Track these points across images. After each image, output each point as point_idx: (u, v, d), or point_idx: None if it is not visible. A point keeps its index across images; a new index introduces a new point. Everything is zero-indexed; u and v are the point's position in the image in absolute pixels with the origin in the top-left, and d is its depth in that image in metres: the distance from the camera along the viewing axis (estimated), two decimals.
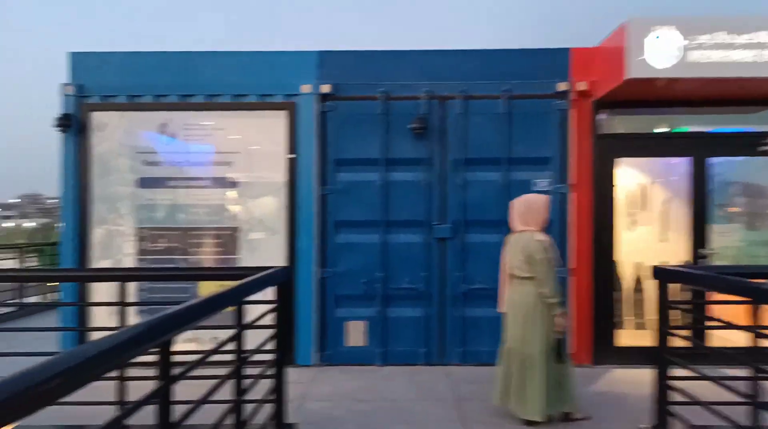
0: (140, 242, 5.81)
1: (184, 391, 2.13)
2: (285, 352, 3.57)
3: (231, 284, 2.68)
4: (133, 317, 5.67)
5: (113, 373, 2.97)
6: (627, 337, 6.01)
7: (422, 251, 5.75)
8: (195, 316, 2.00)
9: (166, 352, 1.84)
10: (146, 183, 5.82)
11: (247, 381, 2.89)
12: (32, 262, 10.88)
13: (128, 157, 5.81)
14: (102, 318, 5.62)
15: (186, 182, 5.82)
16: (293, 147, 5.74)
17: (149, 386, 1.86)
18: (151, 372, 1.91)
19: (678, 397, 3.61)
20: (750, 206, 6.31)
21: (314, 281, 5.70)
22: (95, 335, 5.55)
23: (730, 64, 4.85)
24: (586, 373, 5.34)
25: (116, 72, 5.75)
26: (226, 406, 2.68)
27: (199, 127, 5.84)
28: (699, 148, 5.77)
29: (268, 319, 3.45)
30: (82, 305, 5.72)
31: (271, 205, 5.83)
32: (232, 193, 5.83)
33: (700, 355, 3.88)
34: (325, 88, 5.70)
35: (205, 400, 2.32)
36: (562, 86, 5.64)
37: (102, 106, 5.76)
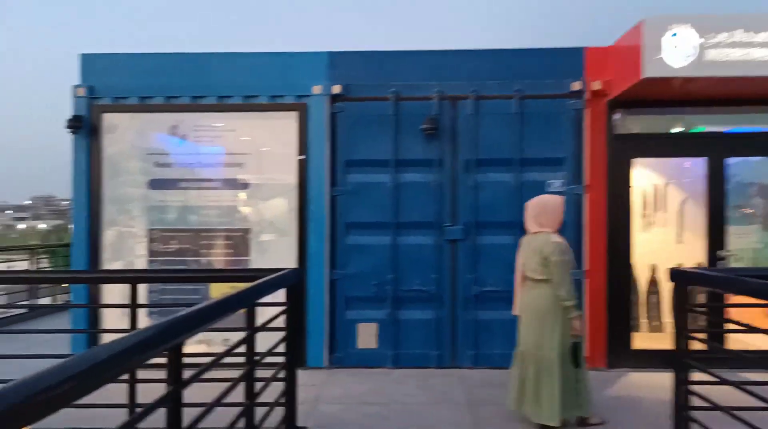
0: (151, 244, 5.80)
1: (194, 393, 2.10)
2: (296, 355, 3.53)
3: (242, 286, 2.64)
4: (144, 319, 5.67)
5: (124, 376, 2.94)
6: (642, 340, 5.93)
7: (433, 253, 5.69)
8: (206, 319, 1.96)
9: (176, 356, 1.80)
10: (157, 184, 5.81)
11: (258, 384, 2.85)
12: (45, 264, 10.92)
13: (139, 159, 5.81)
14: (113, 319, 5.61)
15: (197, 184, 5.81)
16: (304, 148, 5.71)
17: (160, 388, 1.83)
18: (161, 374, 1.87)
19: (697, 402, 3.53)
20: None
21: (325, 283, 5.66)
22: (106, 337, 5.55)
23: (750, 63, 4.76)
24: (601, 376, 5.26)
25: (127, 73, 5.74)
26: (236, 409, 2.64)
27: (210, 129, 5.82)
28: (716, 148, 5.68)
29: (279, 322, 3.41)
30: (92, 307, 5.71)
31: (282, 207, 5.80)
32: (242, 195, 5.81)
33: (717, 358, 3.79)
34: (336, 89, 5.67)
35: (215, 403, 2.28)
36: (576, 86, 5.56)
37: (113, 108, 5.76)
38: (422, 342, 5.67)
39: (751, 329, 3.42)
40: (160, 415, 1.82)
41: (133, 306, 3.36)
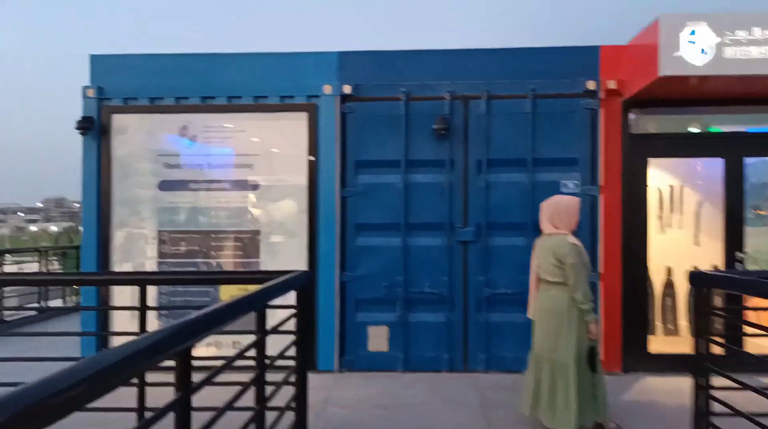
0: (161, 245, 5.77)
1: (203, 396, 2.04)
2: (307, 358, 3.47)
3: (252, 288, 2.59)
4: (154, 320, 5.65)
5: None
6: (658, 343, 5.82)
7: (444, 255, 5.62)
8: (215, 322, 1.90)
9: (185, 360, 1.74)
10: (167, 186, 5.78)
11: (268, 388, 2.79)
12: (56, 266, 10.95)
13: (149, 160, 5.78)
14: (123, 321, 5.59)
15: (207, 185, 5.77)
16: (314, 149, 5.66)
17: (169, 391, 1.77)
18: (170, 377, 1.82)
19: (718, 408, 3.44)
20: None
21: (335, 285, 5.60)
22: (115, 339, 5.53)
23: None
24: (616, 381, 5.16)
25: (137, 74, 5.72)
26: (246, 413, 2.58)
27: (220, 130, 5.79)
28: (734, 148, 5.58)
29: (289, 324, 3.35)
30: (102, 309, 5.68)
31: (292, 208, 5.75)
32: (252, 196, 5.77)
33: (737, 363, 3.70)
34: (346, 89, 5.62)
35: (225, 408, 2.22)
36: (590, 85, 5.48)
37: (123, 109, 5.73)
38: (433, 345, 5.59)
39: None
40: (168, 420, 1.77)
41: (143, 308, 3.32)
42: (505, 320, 5.52)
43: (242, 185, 5.76)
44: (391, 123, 5.64)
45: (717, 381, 3.50)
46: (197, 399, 1.89)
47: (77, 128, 5.60)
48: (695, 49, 4.70)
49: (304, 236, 5.68)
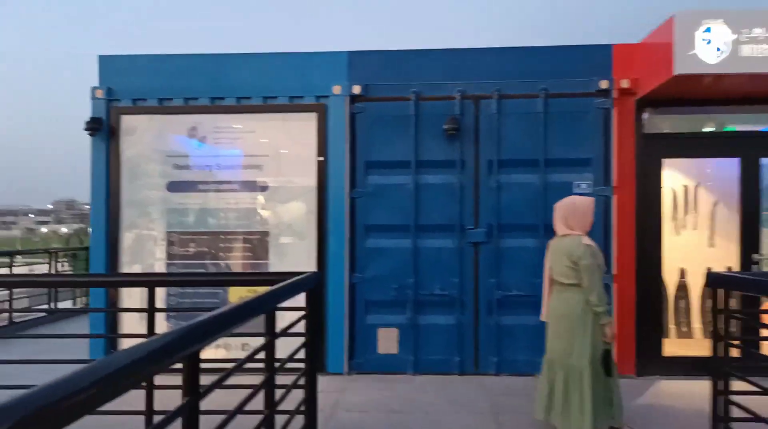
0: (170, 247, 5.74)
1: (212, 399, 2.00)
2: (316, 361, 3.42)
3: (261, 290, 2.54)
4: (163, 321, 5.62)
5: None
6: (671, 346, 5.72)
7: (455, 256, 5.55)
8: (224, 326, 1.85)
9: (193, 364, 1.69)
10: (176, 187, 5.75)
11: (277, 391, 2.74)
12: (65, 267, 10.96)
13: (158, 161, 5.76)
14: (132, 322, 5.56)
15: (216, 186, 5.74)
16: (323, 150, 5.62)
17: (177, 392, 1.72)
18: (178, 379, 1.77)
19: (736, 413, 3.37)
20: None
21: (345, 287, 5.55)
22: (124, 341, 5.50)
23: None
24: (630, 384, 5.07)
25: (146, 75, 5.70)
26: (255, 417, 2.53)
27: (229, 130, 5.76)
28: (750, 148, 5.48)
29: (298, 326, 3.30)
30: (110, 311, 5.66)
31: (301, 209, 5.71)
32: (261, 197, 5.73)
33: (755, 367, 3.62)
34: (356, 89, 5.56)
35: (234, 412, 2.18)
36: (603, 84, 5.40)
37: (132, 110, 5.71)
38: (444, 348, 5.53)
39: None
40: (177, 424, 1.72)
41: (151, 310, 3.28)
42: (517, 323, 5.45)
43: (251, 186, 5.73)
44: (401, 123, 5.58)
45: (735, 385, 3.43)
46: (205, 401, 1.84)
47: (86, 129, 5.58)
48: (711, 47, 4.62)
49: (313, 237, 5.64)
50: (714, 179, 6.51)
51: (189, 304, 5.70)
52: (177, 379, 1.82)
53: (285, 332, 2.98)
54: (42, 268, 10.92)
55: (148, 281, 3.49)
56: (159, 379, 2.97)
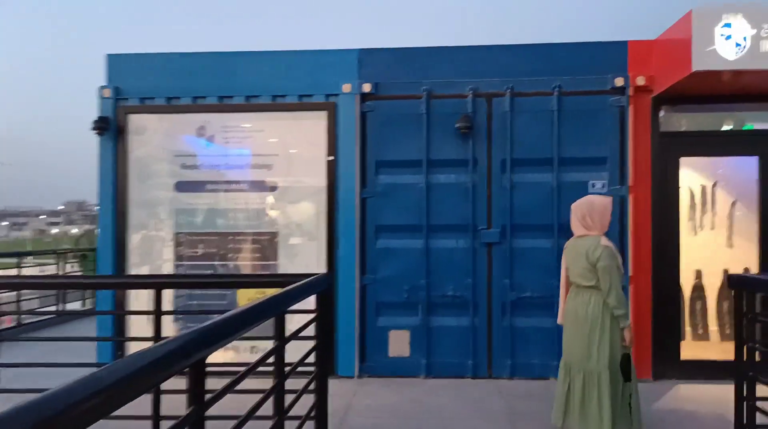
0: (178, 247, 5.67)
1: (218, 403, 1.92)
2: (327, 365, 3.33)
3: (270, 291, 2.46)
4: (170, 324, 5.55)
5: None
6: (688, 349, 5.59)
7: (467, 257, 5.44)
8: (231, 331, 1.77)
9: (199, 371, 1.61)
10: (184, 187, 5.69)
11: (287, 397, 2.65)
12: (75, 268, 10.94)
13: (166, 161, 5.70)
14: (140, 324, 5.49)
15: (224, 186, 5.67)
16: (333, 149, 5.53)
17: (185, 397, 1.64)
18: (185, 380, 1.68)
19: (760, 419, 3.25)
20: None
21: (356, 288, 5.46)
22: (131, 344, 5.44)
23: None
24: (647, 388, 4.94)
25: (154, 74, 5.64)
26: (264, 423, 2.45)
27: (238, 130, 5.68)
28: None
29: (308, 329, 3.21)
30: (116, 313, 5.59)
31: (311, 210, 5.63)
32: (270, 197, 5.66)
33: None
34: (366, 88, 5.47)
35: (244, 419, 2.09)
36: (618, 81, 5.28)
37: (139, 109, 5.65)
38: (456, 350, 5.42)
39: None
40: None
41: (158, 313, 3.20)
42: (531, 325, 5.35)
43: (260, 186, 5.65)
44: (412, 122, 5.49)
45: (760, 390, 3.31)
46: (212, 407, 1.76)
47: (93, 129, 5.52)
48: (730, 43, 4.49)
49: (323, 238, 5.55)
50: (732, 178, 6.36)
51: (197, 306, 5.63)
52: (184, 382, 1.74)
53: (295, 335, 2.89)
54: (51, 269, 10.91)
55: (155, 283, 3.41)
56: (166, 382, 2.90)
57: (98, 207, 5.70)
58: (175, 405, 1.64)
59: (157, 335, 3.22)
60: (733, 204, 6.33)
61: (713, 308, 6.41)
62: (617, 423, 3.57)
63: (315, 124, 5.57)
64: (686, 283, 6.19)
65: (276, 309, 2.41)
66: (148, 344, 1.58)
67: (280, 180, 5.63)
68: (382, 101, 5.52)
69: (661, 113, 5.36)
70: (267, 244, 5.63)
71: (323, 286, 3.21)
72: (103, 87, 5.62)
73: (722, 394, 4.72)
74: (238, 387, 2.29)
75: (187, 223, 5.68)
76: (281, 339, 2.54)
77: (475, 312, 5.42)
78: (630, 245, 5.31)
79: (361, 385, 5.21)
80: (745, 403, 3.34)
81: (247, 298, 5.55)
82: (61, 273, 9.56)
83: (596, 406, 3.56)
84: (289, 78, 5.55)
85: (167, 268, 5.67)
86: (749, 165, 5.50)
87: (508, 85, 5.42)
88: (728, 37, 4.49)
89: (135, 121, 5.67)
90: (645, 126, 5.32)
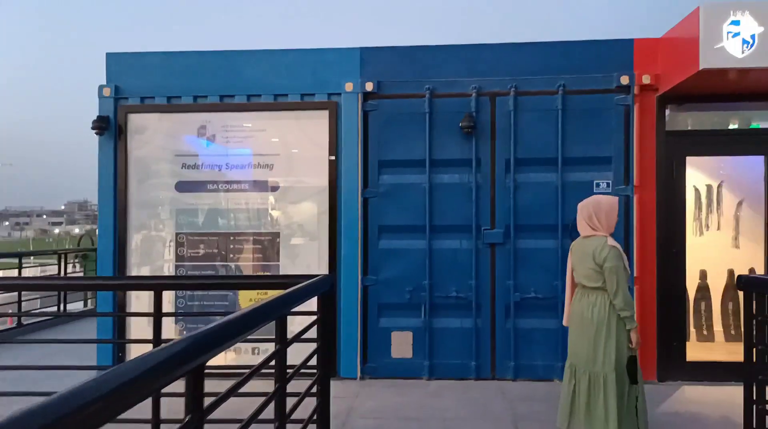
0: (179, 248, 5.62)
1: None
2: (329, 368, 3.28)
3: (272, 293, 2.41)
4: (171, 324, 5.51)
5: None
6: (692, 350, 5.53)
7: (471, 258, 5.39)
8: (231, 336, 1.72)
9: (198, 378, 1.55)
10: (185, 187, 5.64)
11: (289, 402, 2.60)
12: (76, 268, 10.93)
13: (166, 161, 5.65)
14: (141, 324, 5.45)
15: (225, 186, 5.62)
16: (335, 148, 5.48)
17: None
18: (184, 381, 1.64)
19: None
20: None
21: (358, 289, 5.40)
22: (130, 345, 5.40)
23: None
24: (652, 390, 4.87)
25: (154, 73, 5.59)
26: (265, 427, 2.40)
27: (239, 129, 5.63)
28: None
29: (310, 332, 3.16)
30: (116, 315, 5.55)
31: (312, 210, 5.57)
32: (272, 198, 5.61)
33: None
34: (368, 87, 5.42)
35: (245, 425, 2.04)
36: (624, 80, 5.22)
37: (140, 108, 5.61)
38: (460, 352, 5.37)
39: None
40: None
41: (157, 315, 3.15)
42: (535, 326, 5.30)
43: (262, 186, 5.60)
44: (415, 121, 5.43)
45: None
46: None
47: (93, 128, 5.48)
48: (737, 40, 4.43)
49: (325, 239, 5.50)
50: (738, 178, 6.31)
51: (198, 306, 5.59)
52: (185, 384, 1.70)
53: (297, 338, 2.84)
54: (53, 269, 10.88)
55: (155, 284, 3.36)
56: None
57: (98, 207, 5.65)
58: (177, 407, 1.59)
59: (156, 337, 3.18)
60: (740, 204, 6.27)
61: (718, 309, 6.36)
62: (623, 426, 3.51)
63: (317, 123, 5.52)
64: (691, 283, 6.14)
65: (277, 312, 2.36)
66: (143, 354, 1.53)
67: (281, 180, 5.58)
68: (384, 100, 5.47)
69: (667, 112, 5.30)
70: (268, 244, 5.59)
71: (325, 288, 3.16)
72: (102, 86, 5.57)
73: (728, 396, 4.67)
74: (239, 390, 2.24)
75: (188, 224, 5.63)
76: (282, 342, 2.49)
77: (479, 313, 5.37)
78: (635, 245, 5.25)
79: (363, 386, 5.16)
80: (754, 406, 3.29)
81: (248, 298, 5.51)
82: (62, 273, 9.52)
83: (602, 409, 3.51)
84: (290, 77, 5.50)
85: (168, 268, 5.62)
86: (756, 164, 5.44)
87: (512, 84, 5.36)
88: (736, 35, 4.42)
89: (135, 120, 5.63)
90: (650, 125, 5.27)
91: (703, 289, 6.39)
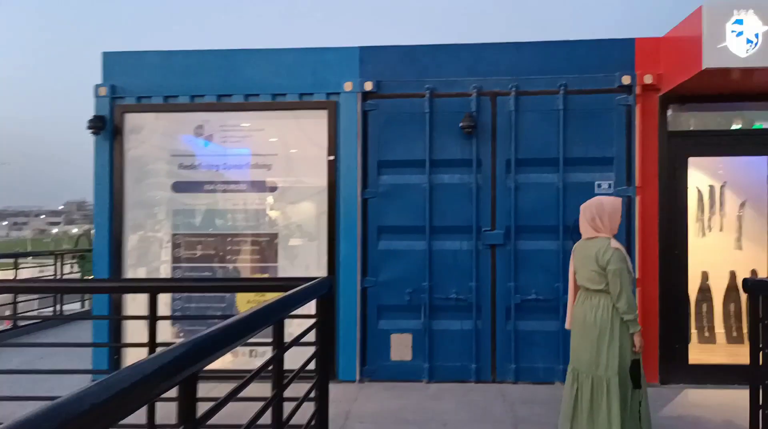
0: (175, 249, 5.56)
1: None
2: (327, 372, 3.22)
3: (270, 296, 2.35)
4: (168, 327, 5.45)
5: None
6: (694, 352, 5.48)
7: (471, 259, 5.33)
8: (228, 341, 1.66)
9: (190, 387, 1.49)
10: (182, 187, 5.58)
11: (287, 406, 2.54)
12: (74, 268, 10.84)
13: (163, 161, 5.59)
14: (137, 326, 5.38)
15: (223, 186, 5.56)
16: (334, 148, 5.42)
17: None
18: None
19: None
20: None
21: (357, 291, 5.35)
22: (129, 350, 5.34)
23: None
24: (655, 393, 4.82)
25: (151, 72, 5.53)
26: None
27: (237, 129, 5.57)
28: None
29: (308, 335, 3.10)
30: (111, 318, 5.48)
31: (311, 210, 5.52)
32: (270, 198, 5.55)
33: None
34: (368, 86, 5.36)
35: None
36: (626, 80, 5.16)
37: (136, 108, 5.55)
38: (460, 354, 5.31)
39: None
40: None
41: (152, 318, 3.09)
42: (536, 328, 5.24)
43: (260, 186, 5.54)
44: (415, 121, 5.38)
45: None
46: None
47: (89, 128, 5.41)
48: (741, 39, 4.38)
49: (323, 239, 5.44)
50: (741, 179, 6.26)
51: (195, 308, 5.53)
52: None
53: (295, 342, 2.78)
54: (50, 270, 10.81)
55: (150, 287, 3.30)
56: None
57: (94, 207, 5.59)
58: (173, 411, 1.54)
59: (152, 341, 3.12)
60: (742, 205, 6.23)
61: (720, 311, 6.31)
62: None
63: (316, 123, 5.46)
64: (693, 285, 6.09)
65: (274, 316, 2.30)
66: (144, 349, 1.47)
67: (279, 180, 5.52)
68: (384, 100, 5.42)
69: (669, 112, 5.25)
70: (266, 245, 5.53)
71: (324, 291, 3.10)
72: (99, 85, 5.51)
73: (731, 399, 4.62)
74: (235, 390, 2.18)
75: (185, 224, 5.57)
76: (280, 347, 2.43)
77: (479, 315, 5.31)
78: (637, 247, 5.20)
79: (362, 389, 5.10)
80: (760, 411, 3.24)
81: (246, 300, 5.45)
82: (59, 274, 9.46)
83: (605, 413, 3.45)
84: (289, 76, 5.44)
85: (164, 269, 5.56)
86: (759, 165, 5.39)
87: (512, 84, 5.31)
88: (739, 34, 4.37)
89: (132, 120, 5.56)
90: (652, 125, 5.21)
91: (705, 291, 6.34)
